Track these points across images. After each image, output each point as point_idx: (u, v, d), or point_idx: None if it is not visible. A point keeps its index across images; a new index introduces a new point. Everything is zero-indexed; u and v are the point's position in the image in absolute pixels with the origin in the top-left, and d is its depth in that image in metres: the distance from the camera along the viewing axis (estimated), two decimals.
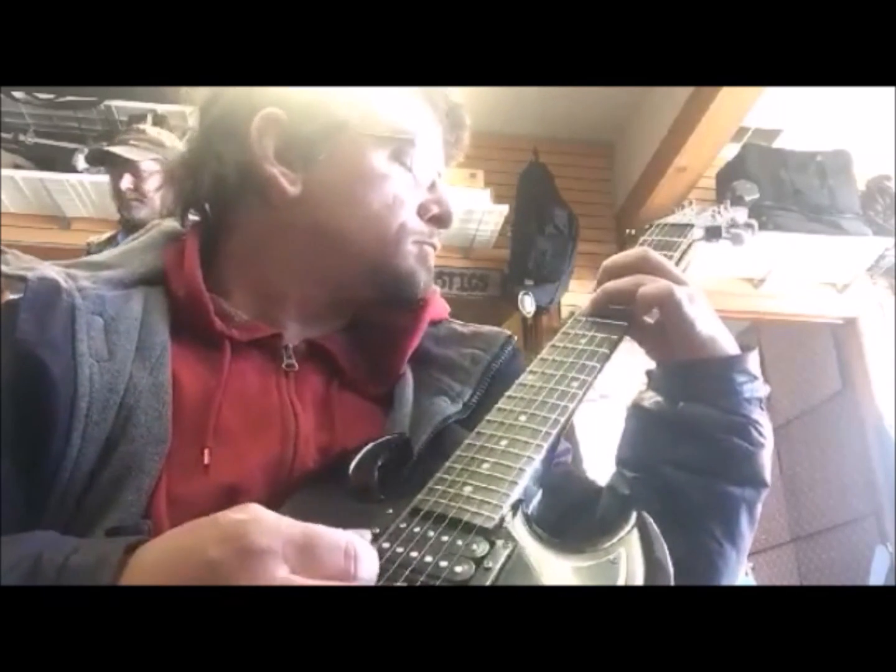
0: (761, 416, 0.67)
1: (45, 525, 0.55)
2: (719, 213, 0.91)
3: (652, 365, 0.73)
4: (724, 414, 0.65)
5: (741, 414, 0.66)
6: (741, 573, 0.67)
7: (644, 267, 0.70)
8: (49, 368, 0.59)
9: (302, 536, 0.41)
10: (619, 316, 0.70)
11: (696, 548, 0.64)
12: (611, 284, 0.70)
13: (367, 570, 0.42)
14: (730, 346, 0.68)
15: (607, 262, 0.73)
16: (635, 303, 0.68)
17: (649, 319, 0.70)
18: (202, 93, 0.75)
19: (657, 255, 0.71)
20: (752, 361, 0.68)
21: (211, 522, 0.42)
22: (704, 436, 0.65)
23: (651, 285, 0.67)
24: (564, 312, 3.07)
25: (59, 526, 0.56)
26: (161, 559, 0.43)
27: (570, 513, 0.66)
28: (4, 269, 0.66)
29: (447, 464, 0.59)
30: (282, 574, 0.39)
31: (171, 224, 0.80)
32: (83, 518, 0.58)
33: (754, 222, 0.93)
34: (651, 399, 0.69)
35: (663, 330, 0.69)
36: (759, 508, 0.67)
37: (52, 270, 0.67)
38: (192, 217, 0.78)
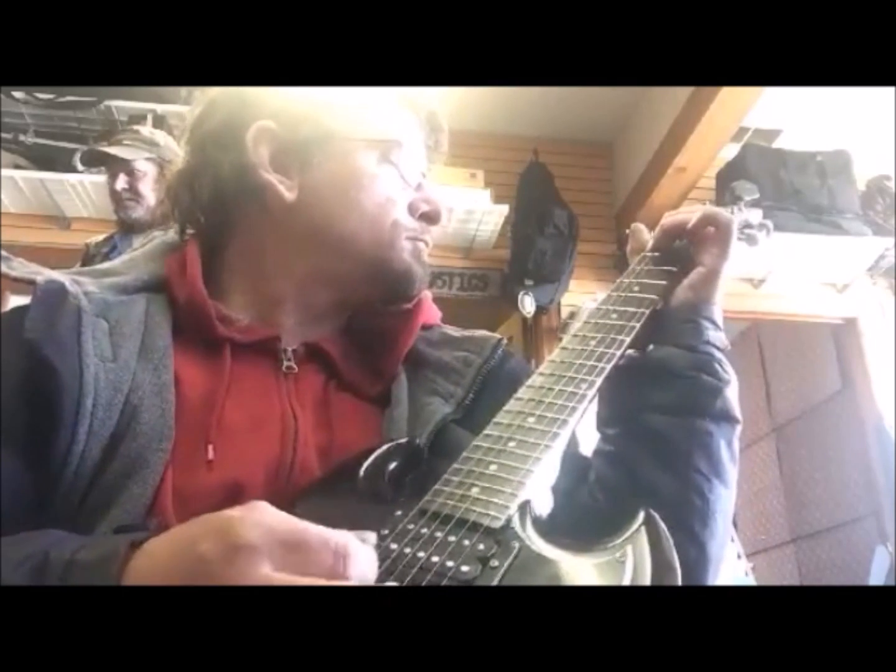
0: (723, 357, 0.72)
1: (51, 520, 0.56)
2: (732, 213, 0.91)
3: None
4: (689, 352, 0.70)
5: (704, 352, 0.71)
6: (731, 510, 0.70)
7: (704, 219, 0.77)
8: (56, 366, 0.61)
9: (290, 534, 0.41)
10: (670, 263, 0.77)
11: (687, 486, 0.67)
12: (668, 219, 0.79)
13: (361, 569, 0.41)
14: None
15: (665, 218, 0.80)
16: (696, 220, 0.76)
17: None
18: (192, 112, 0.78)
19: (715, 209, 0.79)
20: (717, 313, 0.74)
21: (207, 519, 0.43)
22: (673, 375, 0.70)
23: (714, 207, 0.77)
24: (564, 312, 3.07)
25: (65, 521, 0.57)
26: (161, 554, 0.44)
27: (570, 492, 0.66)
28: (13, 272, 0.68)
29: (454, 465, 0.59)
30: (264, 571, 0.39)
31: (172, 235, 0.82)
32: (88, 513, 0.59)
33: (769, 223, 0.94)
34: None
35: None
36: (736, 444, 0.71)
37: (59, 275, 0.69)
38: (190, 231, 0.80)
